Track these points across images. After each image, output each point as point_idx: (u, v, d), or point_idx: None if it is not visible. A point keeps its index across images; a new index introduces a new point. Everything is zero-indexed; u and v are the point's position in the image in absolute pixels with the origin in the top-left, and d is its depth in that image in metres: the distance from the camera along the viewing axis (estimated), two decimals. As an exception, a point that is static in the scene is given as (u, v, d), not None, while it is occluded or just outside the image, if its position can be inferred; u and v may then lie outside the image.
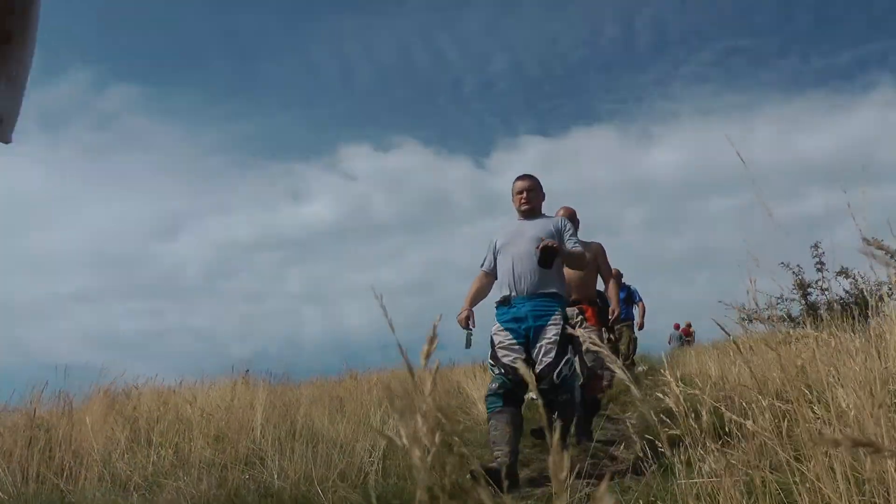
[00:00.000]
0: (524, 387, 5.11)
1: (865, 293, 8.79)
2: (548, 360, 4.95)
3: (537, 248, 5.10)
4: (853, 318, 7.65)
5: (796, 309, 9.41)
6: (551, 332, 5.07)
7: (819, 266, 9.09)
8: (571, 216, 6.87)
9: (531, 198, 5.56)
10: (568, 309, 5.79)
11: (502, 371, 5.04)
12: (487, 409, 5.11)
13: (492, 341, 5.28)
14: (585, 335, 5.58)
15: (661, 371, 3.27)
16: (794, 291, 9.37)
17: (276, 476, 4.38)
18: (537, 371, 4.93)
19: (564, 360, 4.97)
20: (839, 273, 8.96)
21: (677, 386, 3.29)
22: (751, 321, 9.59)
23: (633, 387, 2.04)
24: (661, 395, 3.60)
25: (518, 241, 5.38)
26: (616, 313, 6.58)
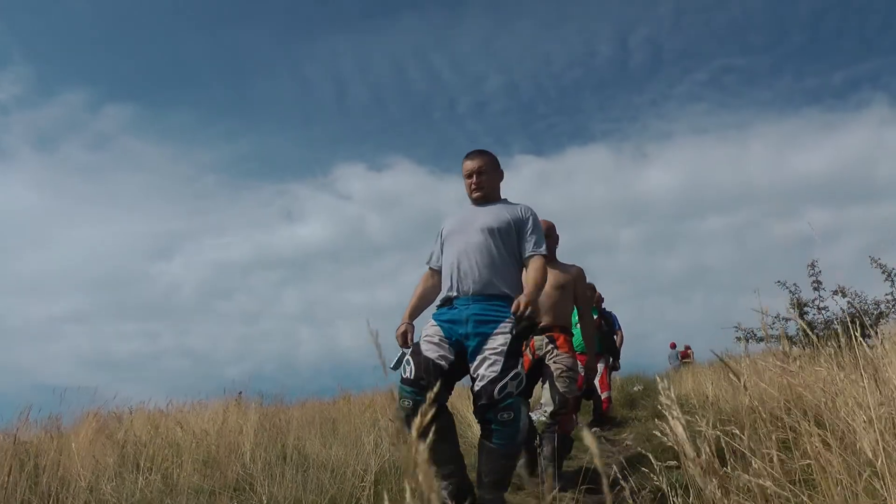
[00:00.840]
0: (445, 391, 4.09)
1: (861, 312, 8.71)
2: (491, 373, 3.96)
3: (514, 312, 4.04)
4: (852, 337, 7.62)
5: (793, 328, 9.32)
6: (498, 342, 4.07)
7: (816, 285, 9.04)
8: (549, 231, 5.93)
9: (483, 181, 4.52)
10: (536, 338, 5.66)
11: (412, 374, 3.98)
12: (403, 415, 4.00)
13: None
14: (559, 362, 5.53)
15: (661, 395, 3.17)
16: (791, 310, 9.29)
17: (265, 502, 4.28)
18: (476, 388, 3.98)
19: (512, 375, 3.97)
20: (836, 292, 8.91)
21: (676, 413, 3.21)
22: (748, 340, 9.60)
23: (589, 439, 1.94)
24: (658, 434, 3.49)
25: (467, 231, 4.42)
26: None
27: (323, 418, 8.70)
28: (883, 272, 8.59)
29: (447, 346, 4.15)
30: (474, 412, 4.07)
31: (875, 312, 8.63)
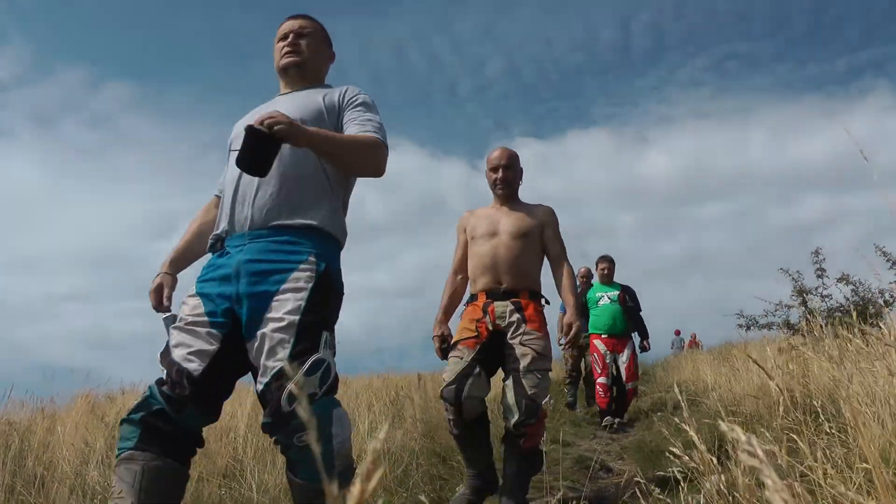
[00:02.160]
0: (193, 407, 2.55)
1: (865, 300, 8.60)
2: (276, 364, 2.44)
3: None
4: (863, 321, 7.52)
5: (795, 316, 9.22)
6: (286, 307, 2.50)
7: (819, 272, 8.91)
8: (512, 162, 4.71)
9: (296, 45, 3.03)
10: (497, 303, 4.39)
11: (162, 377, 2.59)
12: (117, 451, 2.54)
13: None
14: (527, 346, 4.29)
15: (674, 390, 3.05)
16: (794, 298, 9.18)
17: (255, 490, 4.16)
18: (259, 389, 2.48)
19: (310, 365, 2.43)
20: (840, 279, 8.80)
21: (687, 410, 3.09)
22: (749, 328, 9.50)
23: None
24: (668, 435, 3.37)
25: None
26: (575, 328, 4.28)
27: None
28: (888, 260, 8.45)
29: (211, 329, 2.62)
30: (263, 426, 2.51)
31: (880, 301, 8.50)
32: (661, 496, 3.77)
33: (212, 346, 2.58)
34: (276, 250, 2.64)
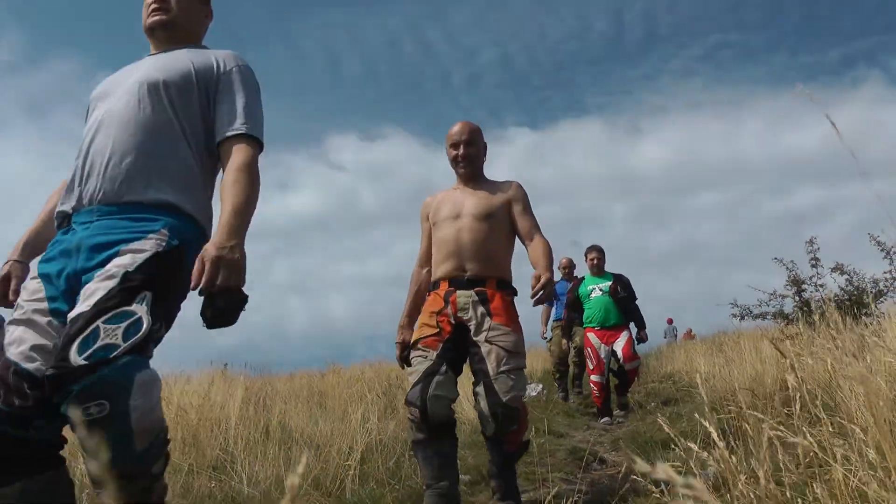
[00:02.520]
0: (43, 419, 2.04)
1: (860, 290, 8.58)
2: (82, 310, 2.02)
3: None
4: (854, 315, 7.51)
5: (790, 306, 9.20)
6: (122, 261, 2.13)
7: (814, 262, 8.89)
8: (474, 137, 3.94)
9: (163, 0, 2.68)
10: (460, 293, 3.93)
11: None
12: None
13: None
14: (493, 344, 3.80)
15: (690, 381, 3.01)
16: (788, 288, 9.15)
17: (245, 482, 4.11)
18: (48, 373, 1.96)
19: (112, 315, 2.01)
20: (834, 269, 8.78)
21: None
22: (743, 318, 9.48)
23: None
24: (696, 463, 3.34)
25: (115, 92, 2.51)
26: (544, 279, 3.63)
27: (311, 391, 8.56)
28: (882, 250, 8.44)
29: (52, 318, 2.20)
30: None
31: (874, 290, 8.48)
32: (655, 489, 3.74)
33: (43, 342, 2.13)
34: (123, 226, 2.26)
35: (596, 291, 8.91)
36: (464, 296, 3.92)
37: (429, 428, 3.72)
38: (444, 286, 4.01)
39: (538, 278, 3.64)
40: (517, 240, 4.18)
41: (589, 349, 8.81)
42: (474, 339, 3.83)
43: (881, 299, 8.41)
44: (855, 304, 8.34)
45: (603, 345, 8.68)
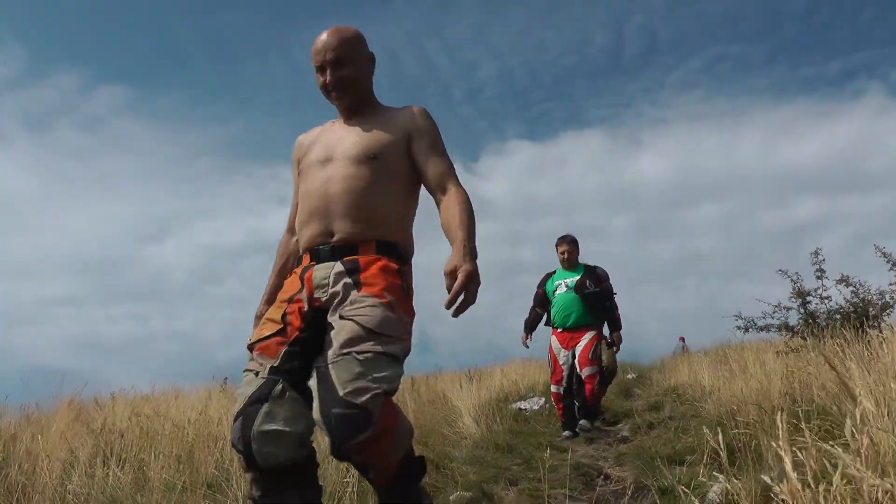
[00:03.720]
0: None
1: (866, 302, 8.49)
2: None
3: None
4: (858, 327, 7.43)
5: (794, 318, 9.10)
6: None
7: (819, 273, 8.80)
8: (356, 44, 3.71)
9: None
10: (317, 267, 2.73)
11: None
12: None
13: None
14: (348, 320, 2.49)
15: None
16: (793, 300, 9.06)
17: (240, 501, 4.02)
18: None
19: None
20: (839, 281, 8.68)
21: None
22: (748, 330, 9.39)
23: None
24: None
25: None
26: (462, 275, 2.38)
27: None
28: (887, 261, 8.34)
29: None
30: None
31: (880, 302, 8.38)
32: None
33: None
34: None
35: (561, 287, 8.04)
36: (323, 269, 2.70)
37: (263, 479, 2.50)
38: (305, 260, 2.82)
39: (453, 271, 2.43)
40: (424, 194, 3.00)
41: (549, 354, 8.07)
42: (329, 319, 2.56)
43: (888, 311, 8.31)
44: (861, 316, 8.25)
45: (563, 349, 7.88)
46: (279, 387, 2.50)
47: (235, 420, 2.51)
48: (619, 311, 8.22)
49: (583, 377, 7.67)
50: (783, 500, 2.37)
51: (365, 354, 2.37)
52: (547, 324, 8.24)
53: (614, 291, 8.21)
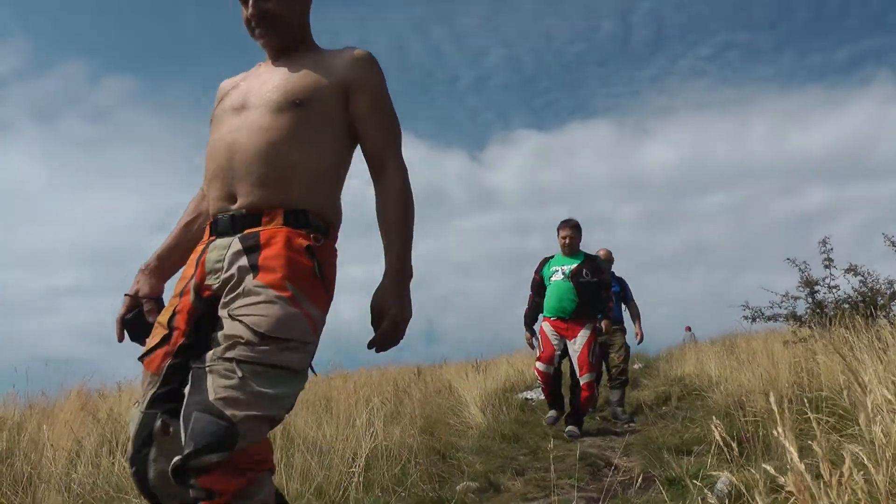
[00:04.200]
0: None
1: (874, 292, 8.42)
2: None
3: None
4: (867, 317, 7.38)
5: (802, 307, 9.02)
6: None
7: (827, 263, 8.71)
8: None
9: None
10: (212, 245, 2.21)
11: None
12: None
13: None
14: (236, 320, 1.98)
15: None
16: (801, 289, 8.98)
17: (245, 490, 3.98)
18: None
19: None
20: (848, 270, 8.60)
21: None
22: (755, 319, 9.33)
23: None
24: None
25: None
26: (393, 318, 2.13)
27: (316, 395, 8.45)
28: (896, 250, 8.26)
29: None
30: None
31: (888, 292, 8.31)
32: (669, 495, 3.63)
33: None
34: None
35: (557, 274, 7.46)
36: (219, 248, 2.18)
37: None
38: (205, 235, 2.31)
39: (380, 315, 2.18)
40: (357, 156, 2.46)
41: (540, 336, 7.43)
42: (219, 313, 2.06)
43: (896, 300, 8.24)
44: (869, 305, 8.18)
45: (559, 336, 7.28)
46: (158, 423, 2.05)
47: (131, 468, 2.11)
48: (614, 303, 7.94)
49: (581, 383, 7.07)
50: (789, 492, 2.33)
51: (251, 366, 1.91)
52: (539, 311, 7.62)
53: (614, 285, 7.91)
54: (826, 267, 8.74)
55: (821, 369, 6.10)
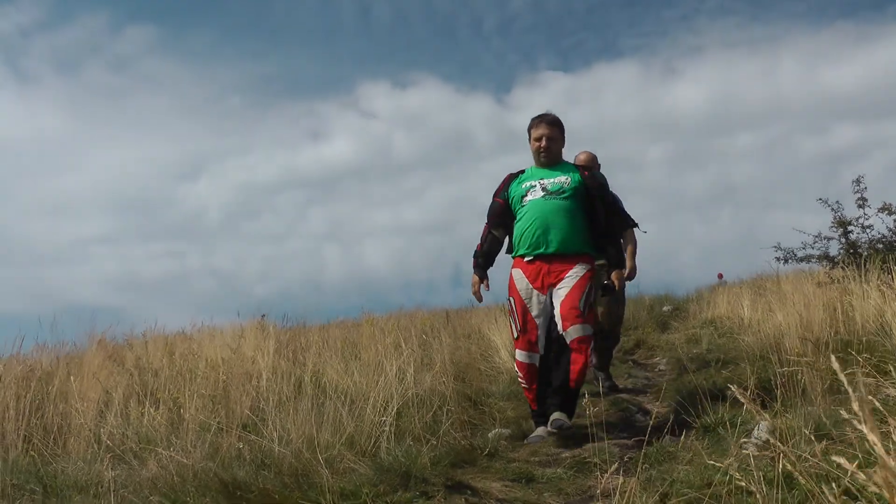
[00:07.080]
0: None
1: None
2: None
3: None
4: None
5: (835, 248, 8.85)
6: None
7: (861, 202, 8.51)
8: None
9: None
10: None
11: None
12: None
13: None
14: None
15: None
16: (833, 229, 8.80)
17: (276, 441, 3.92)
18: None
19: None
20: (882, 209, 8.40)
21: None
22: (787, 261, 9.17)
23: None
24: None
25: None
26: None
27: (345, 342, 8.42)
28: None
29: None
30: None
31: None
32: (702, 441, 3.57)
33: None
34: None
35: (536, 191, 5.06)
36: None
37: None
38: None
39: None
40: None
41: (511, 299, 5.07)
42: None
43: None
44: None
45: (535, 290, 4.94)
46: None
47: None
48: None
49: (567, 341, 4.75)
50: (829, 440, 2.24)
51: None
52: (508, 251, 5.31)
53: (617, 200, 6.20)
54: (860, 206, 8.55)
55: (856, 311, 6.00)
